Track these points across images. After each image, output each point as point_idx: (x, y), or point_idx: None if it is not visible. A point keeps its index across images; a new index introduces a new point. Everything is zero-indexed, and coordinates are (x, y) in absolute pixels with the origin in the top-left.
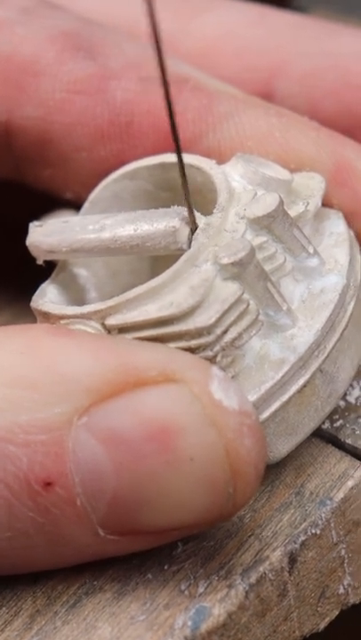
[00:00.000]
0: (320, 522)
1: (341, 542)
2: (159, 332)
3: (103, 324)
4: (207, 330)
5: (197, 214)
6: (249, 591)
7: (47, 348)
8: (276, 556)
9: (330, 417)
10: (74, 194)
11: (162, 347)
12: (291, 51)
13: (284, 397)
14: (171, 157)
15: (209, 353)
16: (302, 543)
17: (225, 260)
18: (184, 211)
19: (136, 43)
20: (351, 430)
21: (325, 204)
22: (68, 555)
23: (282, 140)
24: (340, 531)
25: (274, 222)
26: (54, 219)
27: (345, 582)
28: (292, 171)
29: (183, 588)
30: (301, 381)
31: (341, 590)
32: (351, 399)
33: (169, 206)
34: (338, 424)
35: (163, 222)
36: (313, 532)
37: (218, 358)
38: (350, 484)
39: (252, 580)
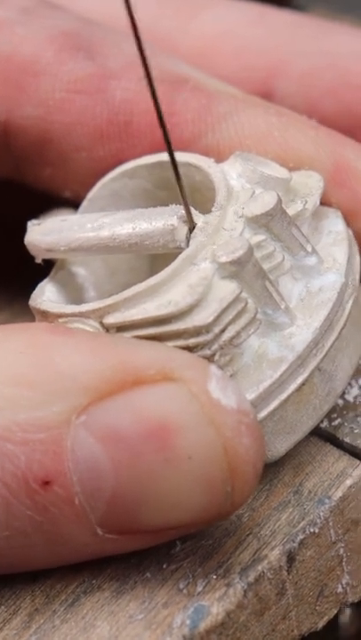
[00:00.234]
0: (318, 521)
1: (340, 541)
2: (157, 330)
3: (101, 323)
4: (205, 328)
5: (196, 213)
6: (247, 590)
7: (46, 346)
8: (274, 554)
9: (328, 415)
10: (73, 193)
11: (160, 345)
12: (289, 50)
13: (283, 396)
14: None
15: (207, 351)
16: (301, 542)
17: (223, 259)
18: (182, 209)
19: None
20: (350, 429)
21: (324, 203)
22: (66, 553)
23: (281, 140)
24: (338, 529)
25: (272, 221)
26: (53, 217)
27: (343, 581)
28: (290, 170)
29: (182, 586)
30: (300, 380)
31: (340, 589)
32: (350, 398)
33: (167, 205)
34: (336, 423)
35: (161, 221)
36: (311, 530)
37: (216, 357)
38: (349, 482)
39: (251, 578)
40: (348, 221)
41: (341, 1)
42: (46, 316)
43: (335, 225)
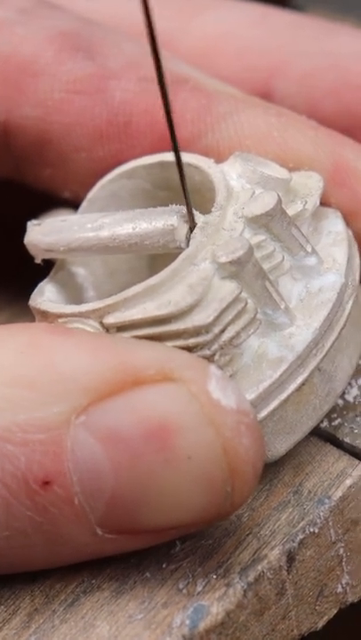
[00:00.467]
0: (318, 520)
1: (340, 541)
2: (157, 330)
3: (101, 323)
4: (205, 328)
5: (196, 213)
6: (247, 590)
7: (45, 347)
8: (274, 554)
9: (328, 416)
10: (72, 193)
11: (160, 345)
12: (290, 51)
13: (283, 396)
14: (169, 156)
15: (207, 352)
16: (300, 542)
17: (223, 259)
18: (182, 209)
19: (135, 42)
20: (349, 429)
21: (324, 203)
22: (66, 554)
23: (280, 140)
24: (338, 529)
25: (272, 221)
26: (52, 217)
27: (343, 581)
28: (290, 170)
29: (181, 586)
30: (300, 380)
31: (340, 589)
32: (350, 398)
33: (167, 205)
34: (336, 423)
35: (161, 221)
36: (311, 530)
37: (216, 357)
38: (348, 482)
39: (251, 578)
40: (348, 222)
41: (341, 1)
42: (46, 316)
43: (335, 225)
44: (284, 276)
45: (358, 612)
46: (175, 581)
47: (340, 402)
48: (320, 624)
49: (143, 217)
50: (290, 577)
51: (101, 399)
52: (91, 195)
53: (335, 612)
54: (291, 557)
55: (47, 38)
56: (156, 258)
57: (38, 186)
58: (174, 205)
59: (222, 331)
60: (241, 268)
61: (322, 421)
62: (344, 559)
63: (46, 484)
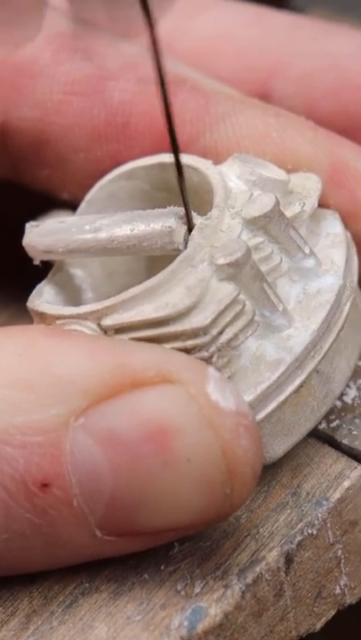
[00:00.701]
0: (316, 522)
1: (338, 542)
2: (155, 332)
3: (99, 325)
4: (203, 330)
5: (194, 214)
6: (245, 591)
7: (43, 349)
8: (272, 556)
9: (326, 417)
10: (70, 194)
11: (158, 347)
12: (288, 51)
13: (281, 398)
14: (168, 157)
15: (205, 353)
16: (299, 543)
17: (221, 261)
18: (180, 211)
19: (133, 43)
20: (348, 431)
21: (322, 204)
22: (64, 555)
23: (279, 141)
24: (336, 531)
25: (270, 223)
26: (51, 219)
27: (341, 582)
28: (288, 171)
29: (180, 588)
30: (298, 382)
31: (338, 590)
32: (348, 399)
33: (165, 206)
34: (334, 424)
35: (159, 222)
36: (309, 532)
37: (214, 359)
38: (347, 484)
39: (249, 580)
40: (347, 223)
41: (340, 2)
42: (44, 317)
43: (333, 227)
44: (282, 277)
45: (357, 614)
46: (173, 583)
47: (339, 403)
48: (318, 625)
49: (141, 218)
50: (288, 578)
51: (100, 401)
52: (89, 196)
53: (333, 613)
54: (289, 559)
55: (45, 39)
56: (154, 259)
57: (36, 187)
58: (172, 207)
59: (220, 332)
60: (239, 269)
61: (320, 423)
62: (342, 561)
63: (45, 486)
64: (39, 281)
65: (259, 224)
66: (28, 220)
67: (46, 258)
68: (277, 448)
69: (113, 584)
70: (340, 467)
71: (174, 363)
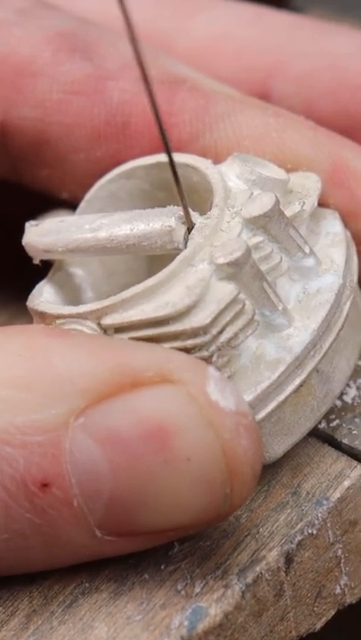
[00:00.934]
0: (316, 522)
1: (338, 542)
2: (155, 331)
3: (99, 324)
4: (203, 330)
5: (194, 214)
6: (245, 591)
7: (43, 349)
8: (272, 555)
9: (326, 417)
10: (70, 194)
11: (158, 347)
12: (287, 51)
13: (281, 397)
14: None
15: (205, 353)
16: (299, 543)
17: (221, 260)
18: (180, 210)
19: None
20: (348, 430)
21: (322, 204)
22: (64, 555)
23: (278, 140)
24: (336, 531)
25: (270, 222)
26: (50, 218)
27: (341, 582)
28: (288, 171)
29: (180, 587)
30: (297, 381)
31: (338, 590)
32: (348, 399)
33: (165, 206)
34: (334, 424)
35: (159, 222)
36: (309, 531)
37: (214, 358)
38: (347, 483)
39: (249, 579)
40: (346, 222)
41: (340, 2)
42: (44, 317)
43: (333, 226)
44: (282, 277)
45: (357, 614)
46: (173, 583)
47: (339, 403)
48: (318, 625)
49: (141, 218)
50: (288, 578)
51: (100, 401)
52: (89, 195)
53: (333, 613)
54: (289, 558)
55: (45, 39)
56: (154, 259)
57: (36, 186)
58: (172, 206)
59: (220, 332)
60: (239, 269)
61: (320, 422)
62: (342, 560)
63: (45, 486)
64: (39, 280)
65: (259, 223)
66: (27, 220)
67: (46, 257)
68: (277, 447)
69: (113, 584)
70: (340, 466)
71: (174, 362)
